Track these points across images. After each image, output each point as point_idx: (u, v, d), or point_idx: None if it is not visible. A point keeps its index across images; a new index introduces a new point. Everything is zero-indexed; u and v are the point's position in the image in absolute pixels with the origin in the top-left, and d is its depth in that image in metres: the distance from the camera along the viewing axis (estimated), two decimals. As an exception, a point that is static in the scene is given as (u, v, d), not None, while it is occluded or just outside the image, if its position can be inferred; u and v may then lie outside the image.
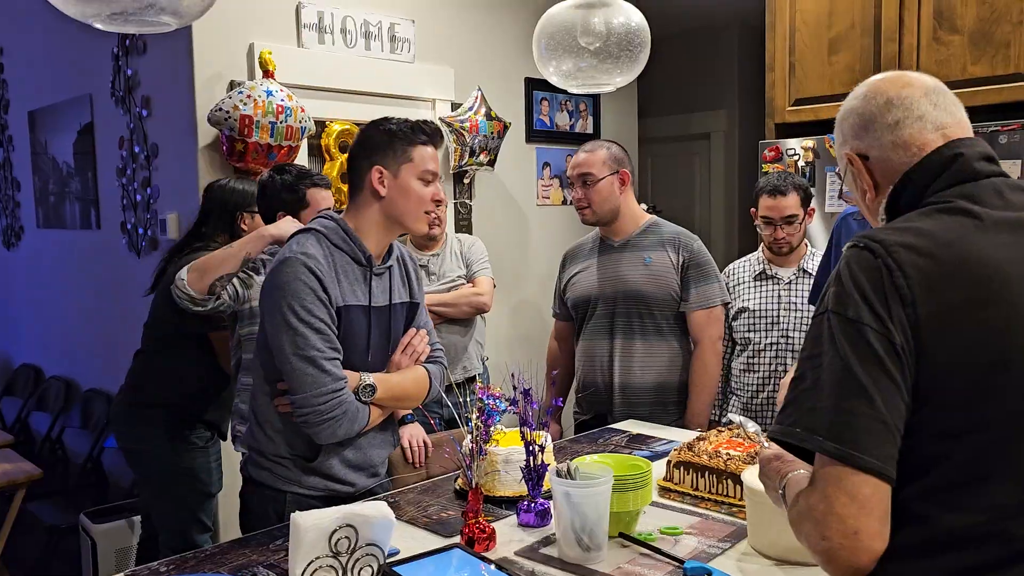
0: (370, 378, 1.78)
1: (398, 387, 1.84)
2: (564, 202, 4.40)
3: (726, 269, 2.93)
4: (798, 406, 1.04)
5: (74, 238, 4.08)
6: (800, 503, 1.03)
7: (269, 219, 2.36)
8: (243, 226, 2.61)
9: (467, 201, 3.93)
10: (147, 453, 2.66)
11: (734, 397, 2.89)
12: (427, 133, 1.80)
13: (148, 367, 2.72)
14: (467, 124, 3.67)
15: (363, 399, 1.76)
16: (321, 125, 3.39)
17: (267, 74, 3.04)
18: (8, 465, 3.07)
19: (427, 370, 1.91)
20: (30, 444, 4.28)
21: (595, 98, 4.54)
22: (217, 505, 2.83)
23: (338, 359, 1.72)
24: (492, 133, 3.75)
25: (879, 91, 1.16)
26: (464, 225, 3.92)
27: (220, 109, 2.91)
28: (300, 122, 3.05)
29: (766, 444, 1.38)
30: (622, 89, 4.77)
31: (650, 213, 3.85)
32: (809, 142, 3.21)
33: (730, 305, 2.84)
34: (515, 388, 1.75)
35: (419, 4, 3.72)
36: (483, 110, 3.74)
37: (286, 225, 2.22)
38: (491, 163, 3.84)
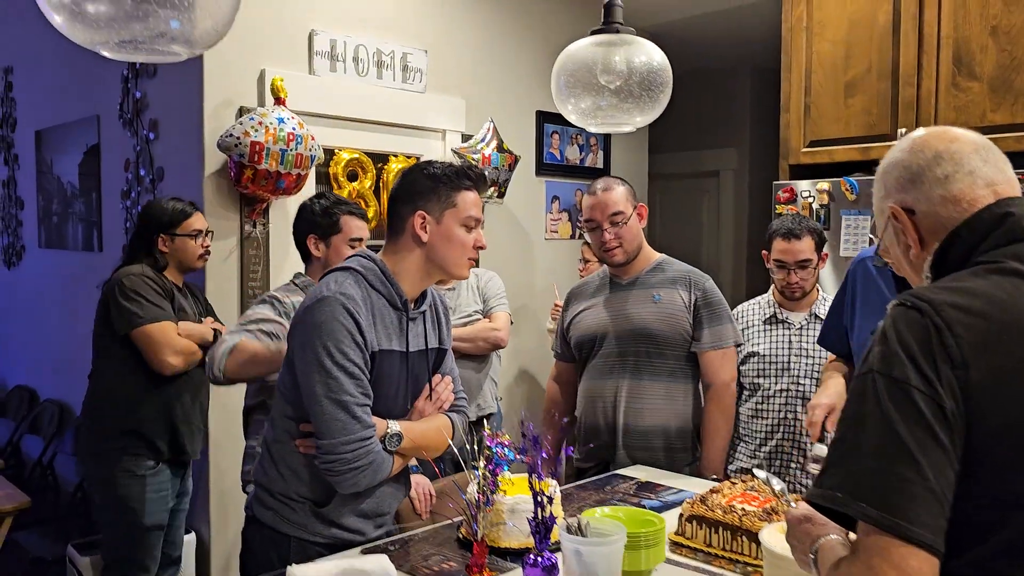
0: (397, 426, 1.72)
1: (422, 436, 1.78)
2: (572, 236, 4.35)
3: (735, 310, 2.86)
4: (840, 469, 0.98)
5: (75, 259, 4.02)
6: (841, 572, 0.97)
7: (300, 241, 2.39)
8: (162, 248, 2.68)
9: (475, 233, 3.87)
10: (88, 478, 2.62)
11: (741, 443, 2.82)
12: (471, 179, 1.78)
13: (89, 388, 2.74)
14: (479, 156, 3.63)
15: (389, 448, 1.70)
16: (330, 153, 3.35)
17: (278, 101, 3.00)
18: (-5, 491, 2.99)
19: (451, 419, 1.86)
20: (20, 468, 4.19)
21: (606, 134, 4.51)
22: (208, 546, 2.75)
23: (368, 406, 1.67)
24: (503, 165, 3.71)
25: (926, 144, 1.11)
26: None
27: (230, 135, 2.87)
28: (310, 150, 3.01)
29: (793, 504, 1.31)
30: (633, 124, 4.80)
31: None
32: (824, 184, 3.16)
33: (739, 348, 2.78)
34: (524, 435, 1.69)
35: (432, 34, 3.70)
36: (495, 142, 3.71)
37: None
38: (501, 195, 3.79)
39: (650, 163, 4.93)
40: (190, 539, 3.03)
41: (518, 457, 1.65)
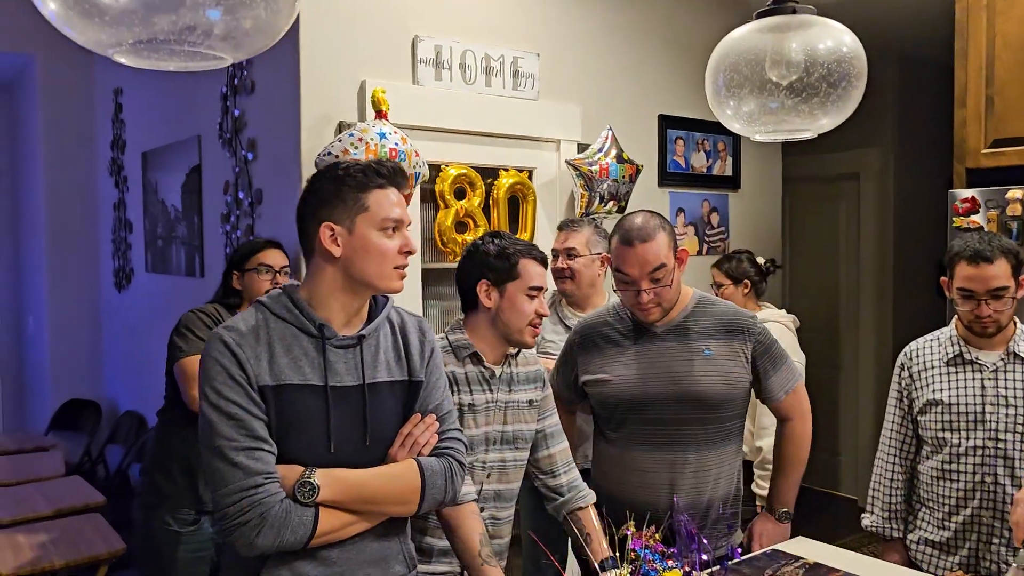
0: (315, 474, 1.44)
1: (364, 486, 1.48)
2: (699, 252, 3.93)
3: (905, 350, 2.39)
4: None
5: (178, 285, 3.91)
6: None
7: (467, 287, 1.97)
8: (235, 285, 2.59)
9: (592, 252, 3.52)
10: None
11: (925, 509, 2.34)
12: (384, 174, 1.52)
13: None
14: (596, 168, 3.28)
15: (302, 500, 1.42)
16: (435, 169, 3.08)
17: (380, 114, 2.74)
18: (94, 535, 2.85)
19: (419, 464, 1.54)
20: (127, 497, 4.11)
21: (735, 136, 4.07)
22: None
23: (258, 450, 1.41)
24: (624, 177, 3.35)
25: None
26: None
27: (329, 153, 2.63)
28: (414, 167, 2.73)
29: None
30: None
31: (767, 269, 3.35)
32: (1018, 192, 2.64)
33: (914, 397, 2.33)
34: (677, 530, 1.33)
35: (544, 36, 3.37)
36: (614, 151, 3.35)
37: None
38: (620, 210, 3.43)
39: (784, 167, 4.45)
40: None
41: (672, 564, 1.29)
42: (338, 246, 1.49)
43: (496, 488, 2.01)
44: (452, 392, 1.89)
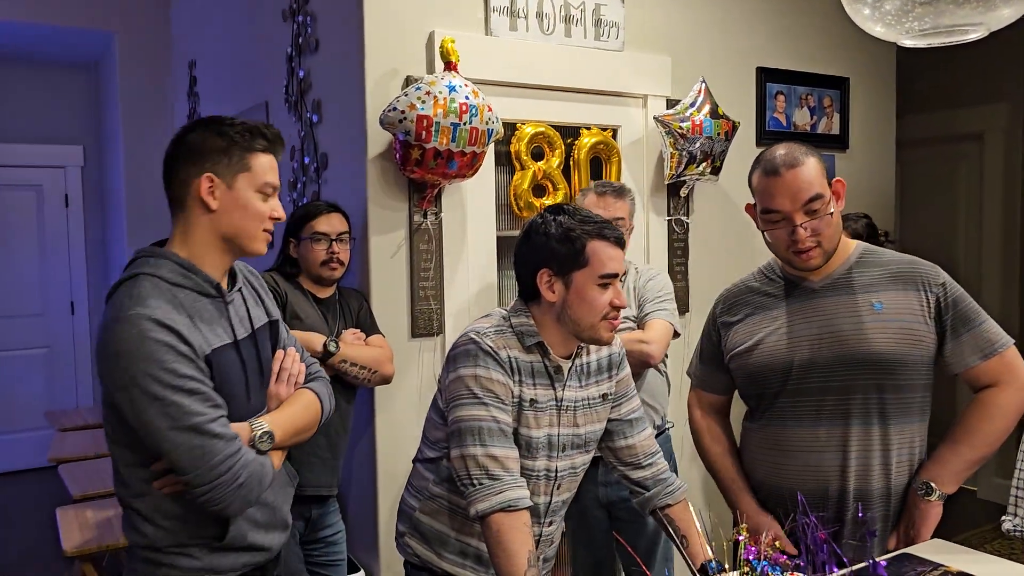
0: (263, 424, 1.54)
1: (291, 422, 1.61)
2: (802, 219, 3.57)
3: None
4: None
5: (252, 261, 3.78)
6: None
7: (525, 274, 1.70)
8: (292, 253, 2.46)
9: (683, 218, 3.22)
10: None
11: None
12: (268, 139, 1.56)
13: None
14: (687, 124, 2.97)
15: (261, 449, 1.52)
16: (510, 128, 2.83)
17: (449, 66, 2.51)
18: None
19: (313, 390, 1.68)
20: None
21: (843, 91, 3.67)
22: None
23: (223, 416, 1.47)
24: (719, 135, 3.03)
25: None
26: (679, 247, 3.21)
27: (394, 109, 2.42)
28: (487, 123, 2.50)
29: None
30: (876, 80, 3.90)
31: (881, 241, 2.95)
32: None
33: None
34: (802, 535, 1.05)
35: (630, -19, 3.07)
36: (707, 107, 3.03)
37: None
38: (715, 171, 3.11)
39: (897, 127, 4.02)
40: (358, 580, 2.63)
41: (796, 577, 1.02)
42: (215, 199, 1.50)
43: (566, 498, 1.77)
44: (514, 383, 1.63)
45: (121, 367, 1.38)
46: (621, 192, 2.51)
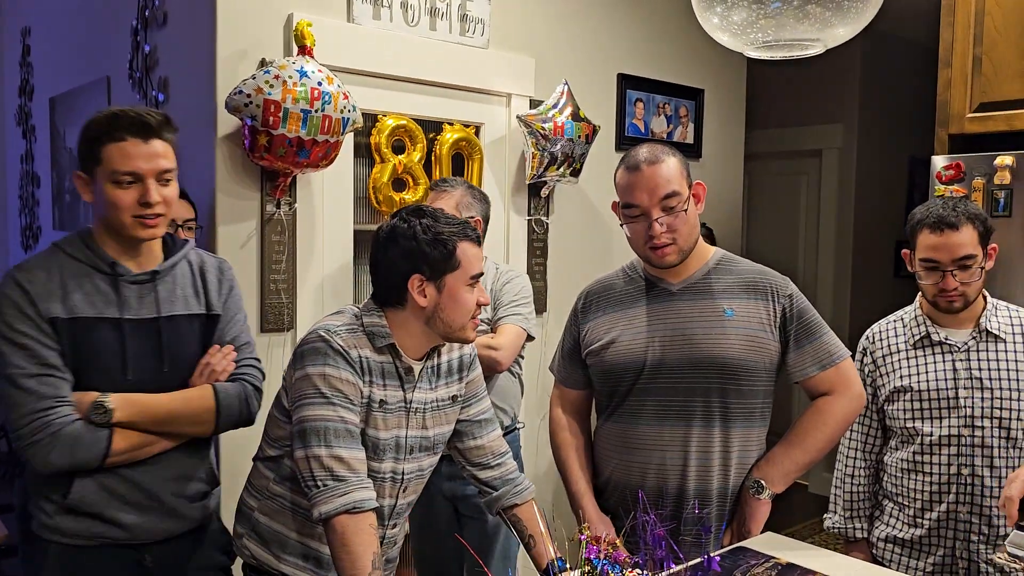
0: (106, 398, 1.58)
1: (156, 407, 1.64)
2: (657, 224, 3.68)
3: (867, 334, 2.19)
4: None
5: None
6: None
7: (393, 281, 1.61)
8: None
9: (543, 219, 3.25)
10: None
11: (893, 506, 2.13)
12: (120, 126, 1.60)
13: None
14: (550, 125, 3.00)
15: (95, 421, 1.57)
16: (371, 119, 2.76)
17: (303, 50, 2.41)
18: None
19: (215, 388, 1.71)
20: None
21: (698, 102, 3.82)
22: None
23: (49, 376, 1.55)
24: (579, 137, 3.07)
25: None
26: (539, 247, 3.24)
27: (240, 92, 2.30)
28: (342, 111, 2.42)
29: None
30: (727, 94, 4.09)
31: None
32: (1007, 159, 2.43)
33: (879, 384, 2.11)
34: (641, 532, 1.06)
35: (497, -21, 3.07)
36: (569, 109, 3.07)
37: None
38: (575, 173, 3.16)
39: (745, 141, 4.23)
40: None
41: (632, 574, 1.03)
42: (90, 195, 1.63)
43: (411, 500, 1.74)
44: (364, 383, 1.58)
45: None
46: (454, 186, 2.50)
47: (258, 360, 1.83)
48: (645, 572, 1.01)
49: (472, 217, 2.40)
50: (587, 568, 1.00)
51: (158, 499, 1.67)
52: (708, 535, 1.77)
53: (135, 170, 1.59)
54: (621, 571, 0.99)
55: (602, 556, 0.99)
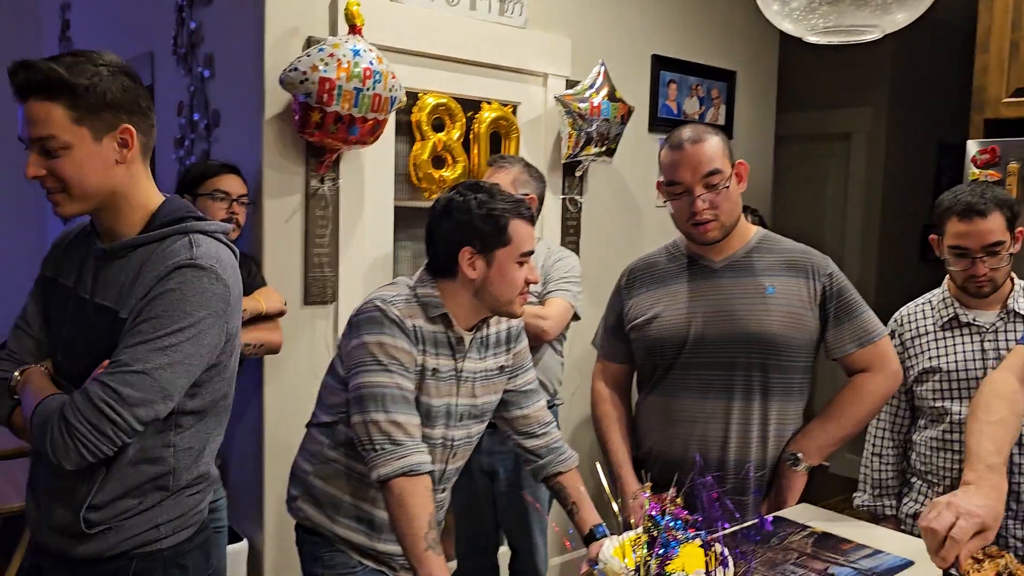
0: (16, 372, 1.47)
1: (29, 403, 1.41)
2: (687, 205, 3.72)
3: (896, 316, 2.23)
4: None
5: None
6: None
7: (445, 251, 1.66)
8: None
9: (577, 198, 3.29)
10: None
11: (922, 484, 2.18)
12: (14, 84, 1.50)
13: None
14: (586, 105, 3.04)
15: (11, 384, 1.46)
16: (413, 97, 2.81)
17: (354, 29, 2.46)
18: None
19: (58, 399, 1.37)
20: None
21: (730, 84, 3.84)
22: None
23: (19, 329, 1.52)
24: (615, 117, 3.11)
25: None
26: (572, 226, 3.29)
27: (295, 69, 2.35)
28: (390, 90, 2.47)
29: None
30: (759, 76, 4.10)
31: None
32: (1047, 144, 2.46)
33: (908, 366, 2.16)
34: (696, 497, 1.12)
35: (536, -41, 3.10)
36: (606, 89, 3.10)
37: None
38: (610, 153, 3.20)
39: (776, 123, 4.25)
40: (237, 549, 2.57)
41: (694, 534, 1.09)
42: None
43: (459, 465, 1.80)
44: (417, 352, 1.64)
45: None
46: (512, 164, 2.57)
47: (118, 395, 1.30)
48: (703, 532, 1.07)
49: (527, 195, 2.45)
50: (648, 524, 1.06)
51: (33, 481, 1.50)
52: (758, 496, 1.83)
53: (24, 137, 1.41)
54: (683, 527, 1.05)
55: (663, 513, 1.06)
